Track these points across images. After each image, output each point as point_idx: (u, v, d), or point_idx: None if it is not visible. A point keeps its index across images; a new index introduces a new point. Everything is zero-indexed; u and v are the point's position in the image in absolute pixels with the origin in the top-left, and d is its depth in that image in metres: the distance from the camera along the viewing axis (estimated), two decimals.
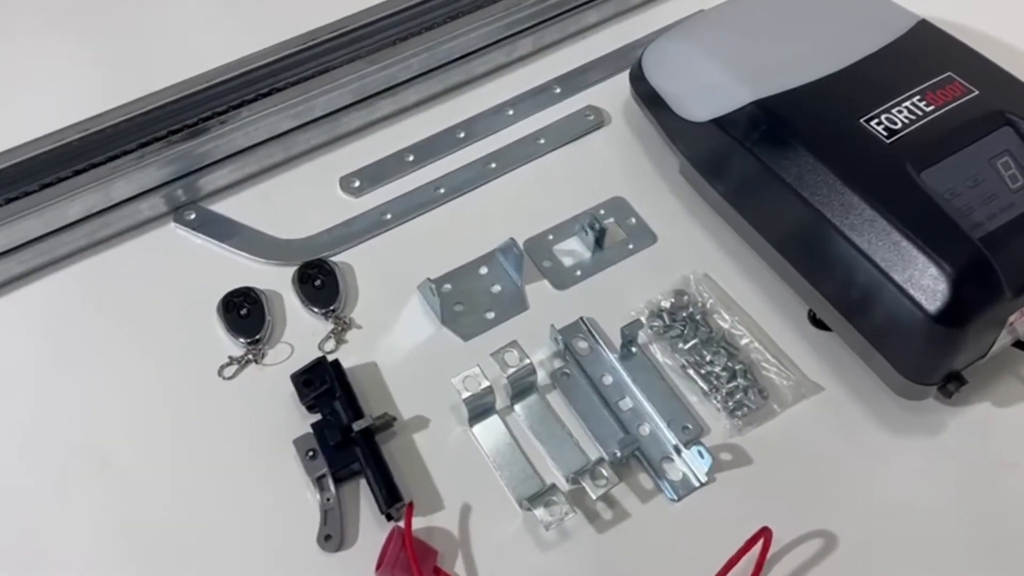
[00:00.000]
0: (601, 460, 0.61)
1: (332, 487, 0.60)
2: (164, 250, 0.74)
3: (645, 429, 0.64)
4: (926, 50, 0.68)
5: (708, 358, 0.67)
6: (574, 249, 0.74)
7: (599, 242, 0.73)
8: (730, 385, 0.65)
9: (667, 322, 0.68)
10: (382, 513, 0.59)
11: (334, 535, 0.59)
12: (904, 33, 0.70)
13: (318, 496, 0.60)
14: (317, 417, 0.63)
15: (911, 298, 0.57)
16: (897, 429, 0.64)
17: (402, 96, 0.80)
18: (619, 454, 0.61)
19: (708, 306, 0.70)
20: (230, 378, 0.67)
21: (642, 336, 0.68)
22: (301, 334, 0.69)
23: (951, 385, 0.60)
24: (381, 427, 0.63)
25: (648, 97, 0.75)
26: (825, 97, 0.66)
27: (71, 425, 0.65)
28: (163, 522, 0.61)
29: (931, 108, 0.63)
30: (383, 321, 0.70)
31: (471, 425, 0.64)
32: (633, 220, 0.75)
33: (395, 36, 0.80)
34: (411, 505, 0.58)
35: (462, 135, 0.80)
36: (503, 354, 0.64)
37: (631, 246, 0.74)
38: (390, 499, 0.58)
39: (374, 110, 0.79)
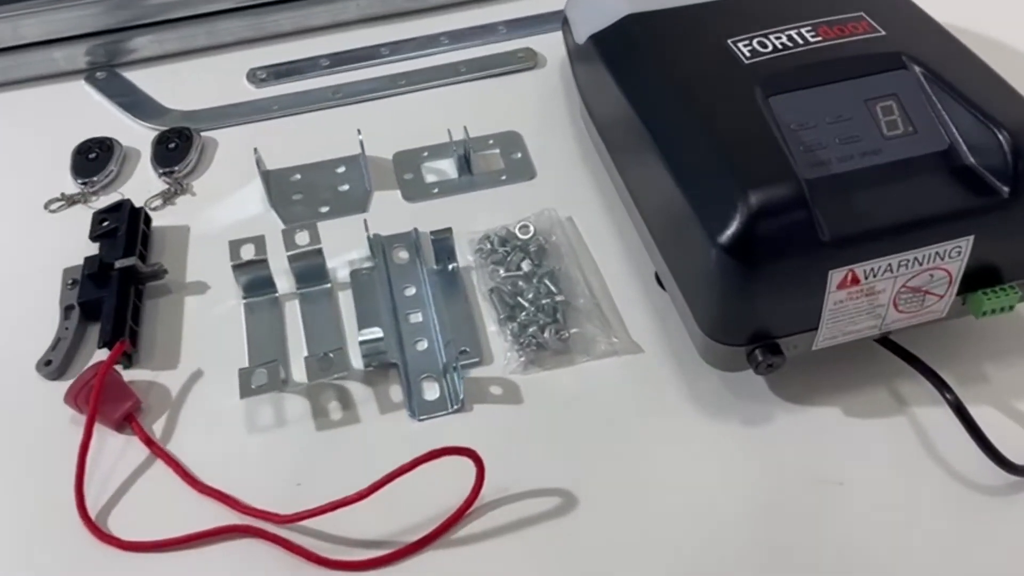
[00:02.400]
0: (339, 350, 0.54)
1: (75, 318, 0.57)
2: (63, 102, 0.75)
3: (422, 345, 0.57)
4: None
5: (523, 290, 0.58)
6: (443, 169, 0.68)
7: (467, 166, 0.67)
8: (527, 319, 0.56)
9: (494, 247, 0.61)
10: (99, 347, 0.55)
11: (55, 362, 0.55)
12: None
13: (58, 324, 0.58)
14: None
15: (701, 222, 0.47)
16: (709, 411, 0.53)
17: (341, 7, 0.78)
18: (363, 353, 0.54)
19: (550, 244, 0.61)
20: (54, 211, 0.66)
21: (470, 259, 0.62)
22: (138, 189, 0.67)
23: (759, 352, 0.49)
24: (149, 275, 0.59)
25: (565, 31, 0.69)
26: (710, 17, 0.57)
27: None
28: None
29: (817, 39, 0.53)
30: (218, 195, 0.67)
31: (244, 298, 0.60)
32: (519, 155, 0.68)
33: None
34: (123, 343, 0.54)
35: (386, 52, 0.77)
36: (295, 232, 0.59)
37: (504, 177, 0.67)
38: (111, 334, 0.55)
39: (308, 15, 0.78)
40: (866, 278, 0.47)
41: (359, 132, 0.66)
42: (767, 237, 0.46)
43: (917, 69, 0.51)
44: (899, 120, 0.50)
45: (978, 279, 0.50)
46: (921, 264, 0.48)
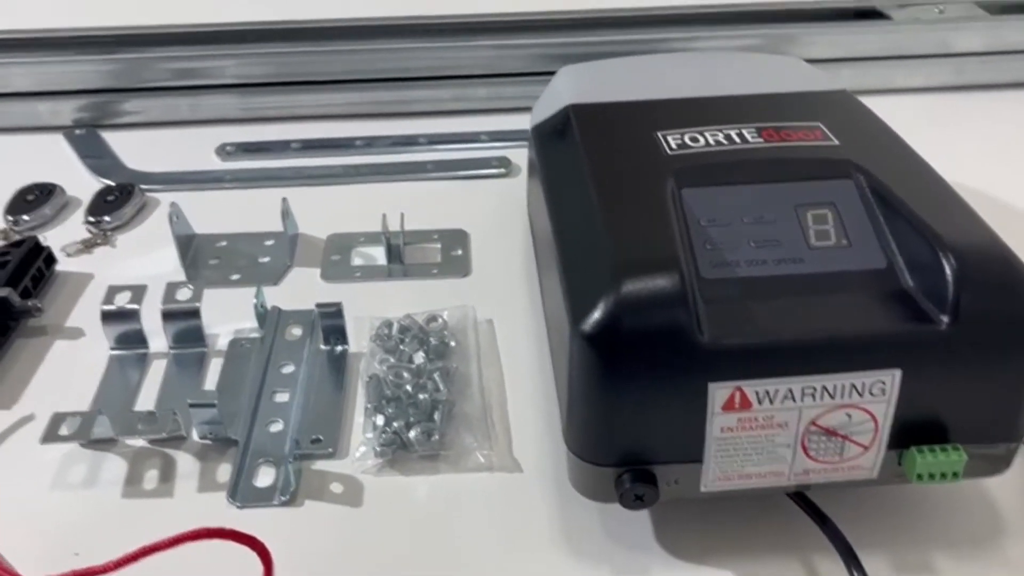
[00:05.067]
0: (171, 411, 0.47)
1: None
2: (33, 152, 0.75)
3: (276, 427, 0.49)
4: (820, 105, 0.52)
5: (406, 382, 0.51)
6: (373, 256, 0.63)
7: (397, 256, 0.62)
8: (396, 412, 0.49)
9: (391, 333, 0.54)
10: None
11: None
12: (810, 91, 0.54)
13: None
14: None
15: (569, 307, 0.40)
16: (577, 552, 0.43)
17: (327, 98, 0.77)
18: (195, 421, 0.47)
19: (457, 343, 0.54)
20: None
21: (366, 344, 0.55)
22: (66, 236, 0.64)
23: (626, 477, 0.40)
24: (21, 310, 0.55)
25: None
26: (653, 112, 0.51)
27: None
28: None
29: (758, 140, 0.47)
30: (139, 250, 0.64)
31: (111, 348, 0.54)
32: (459, 252, 0.63)
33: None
34: None
35: (360, 144, 0.74)
36: (177, 288, 0.54)
37: (435, 271, 0.61)
38: None
39: (293, 102, 0.77)
40: (759, 402, 0.38)
41: (284, 200, 0.62)
42: (634, 332, 0.38)
43: (863, 179, 0.44)
44: (832, 231, 0.42)
45: (915, 432, 0.40)
46: (833, 396, 0.38)
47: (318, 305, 0.53)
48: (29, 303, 0.55)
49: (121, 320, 0.54)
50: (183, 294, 0.54)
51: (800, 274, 0.41)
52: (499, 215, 0.68)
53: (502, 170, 0.72)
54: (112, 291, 0.54)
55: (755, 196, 0.44)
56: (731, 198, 0.44)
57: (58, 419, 0.46)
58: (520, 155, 0.74)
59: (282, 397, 0.52)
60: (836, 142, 0.47)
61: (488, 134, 0.76)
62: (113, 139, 0.77)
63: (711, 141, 0.47)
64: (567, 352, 0.40)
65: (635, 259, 0.40)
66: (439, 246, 0.64)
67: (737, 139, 0.47)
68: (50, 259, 0.60)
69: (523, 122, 0.77)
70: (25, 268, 0.58)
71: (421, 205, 0.68)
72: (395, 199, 0.69)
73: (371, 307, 0.58)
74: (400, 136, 0.76)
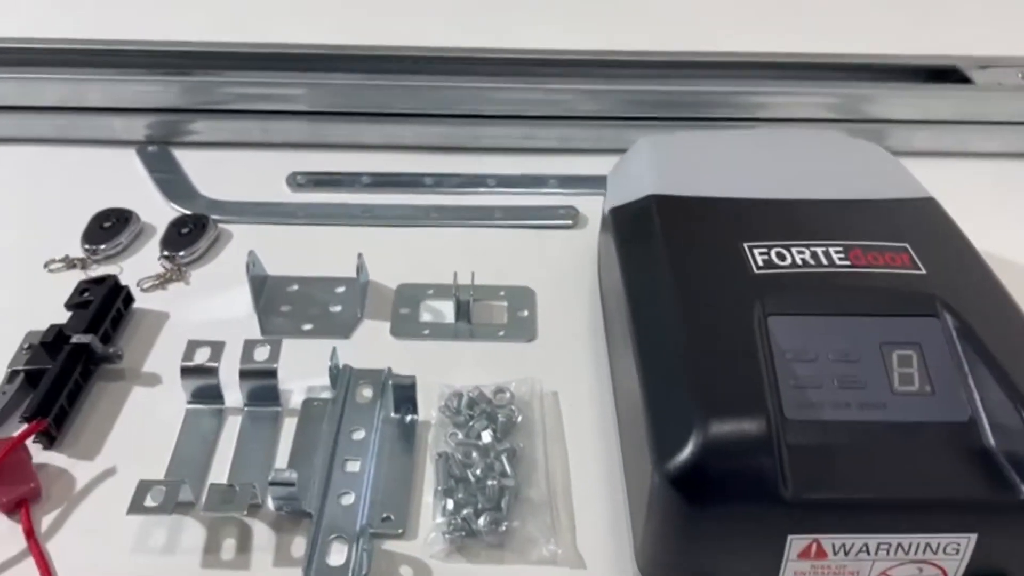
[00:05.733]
0: (251, 486, 0.49)
1: (17, 384, 0.55)
2: (107, 168, 0.76)
3: (348, 499, 0.51)
4: (907, 220, 0.52)
5: (475, 463, 0.52)
6: (442, 311, 0.64)
7: (465, 314, 0.63)
8: (465, 498, 0.50)
9: (459, 407, 0.56)
10: (20, 420, 0.52)
11: None
12: (898, 198, 0.54)
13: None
14: None
15: (652, 439, 0.41)
16: None
17: (395, 130, 0.78)
18: (272, 496, 0.49)
19: (523, 417, 0.56)
20: (52, 271, 0.66)
21: (433, 414, 0.56)
22: (140, 267, 0.66)
23: None
24: (102, 356, 0.57)
25: (605, 198, 0.65)
26: (738, 214, 0.52)
27: None
28: None
29: (845, 263, 0.47)
30: (211, 289, 0.65)
31: (188, 402, 0.56)
32: (526, 313, 0.64)
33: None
34: (40, 423, 0.51)
35: (429, 182, 0.75)
36: (255, 346, 0.56)
37: (502, 333, 0.62)
38: (36, 410, 0.52)
39: (361, 131, 0.77)
40: (835, 553, 0.39)
41: (360, 256, 0.63)
42: (720, 479, 0.39)
43: (950, 319, 0.44)
44: (916, 375, 0.43)
45: None
46: (907, 552, 0.39)
47: (393, 377, 0.55)
48: (111, 350, 0.57)
49: (199, 375, 0.55)
50: (261, 354, 0.55)
51: (883, 422, 0.41)
52: (566, 270, 0.68)
53: (569, 221, 0.72)
54: (192, 346, 0.56)
55: (841, 329, 0.44)
56: (817, 330, 0.44)
57: (143, 488, 0.48)
58: (588, 204, 0.74)
59: (353, 466, 0.53)
60: (923, 271, 0.47)
61: (557, 178, 0.76)
62: (184, 157, 0.78)
63: (798, 260, 0.47)
64: (648, 483, 0.41)
65: (722, 398, 0.41)
66: (505, 304, 0.65)
67: (824, 259, 0.47)
68: (128, 298, 0.62)
69: (592, 165, 0.78)
70: (106, 310, 0.59)
71: (488, 254, 0.69)
72: (463, 246, 0.70)
73: (439, 369, 0.59)
74: (468, 176, 0.76)
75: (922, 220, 0.52)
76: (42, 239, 0.69)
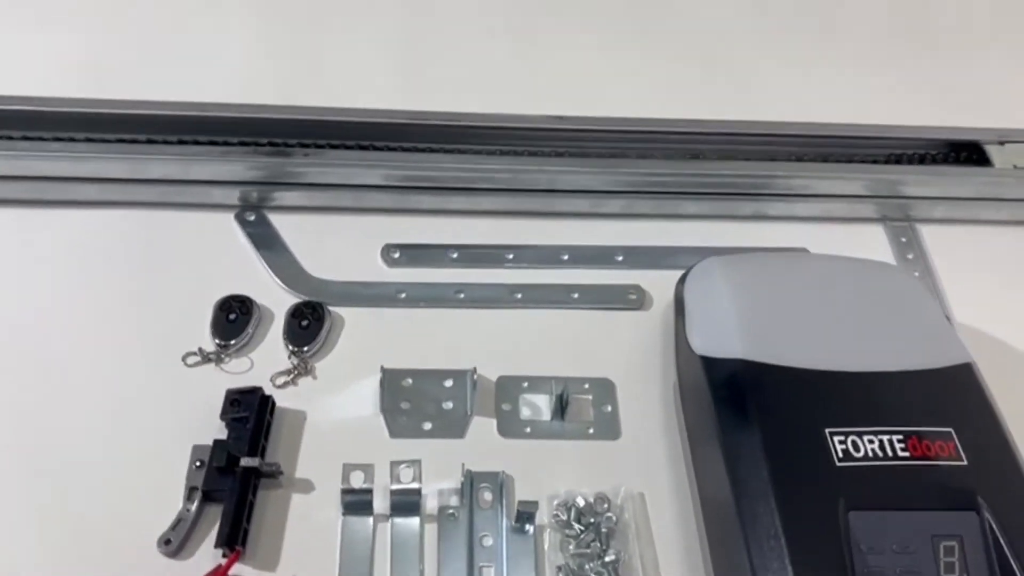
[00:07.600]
0: None
1: (197, 501, 0.65)
2: (212, 234, 0.82)
3: None
4: (949, 395, 0.64)
5: (588, 573, 0.65)
6: (538, 406, 0.74)
7: (562, 412, 0.73)
8: None
9: (571, 518, 0.68)
10: (215, 546, 0.63)
11: (173, 542, 0.63)
12: (942, 367, 0.66)
13: (181, 504, 0.65)
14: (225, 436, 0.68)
15: None
16: None
17: (476, 199, 0.84)
18: None
19: (620, 521, 0.68)
20: (189, 366, 0.73)
21: (545, 519, 0.68)
22: (266, 360, 0.74)
23: None
24: (267, 473, 0.66)
25: (678, 306, 0.75)
26: (811, 390, 0.63)
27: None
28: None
29: (905, 454, 0.59)
30: (337, 383, 0.74)
31: (344, 514, 0.67)
32: (609, 408, 0.75)
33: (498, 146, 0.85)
34: (237, 554, 0.62)
35: (510, 256, 0.83)
36: (399, 468, 0.66)
37: (591, 431, 0.73)
38: (227, 539, 0.62)
39: (446, 200, 0.84)
40: None
41: (475, 370, 0.72)
42: None
43: (987, 515, 0.57)
44: (957, 564, 0.56)
45: None
46: None
47: (521, 503, 0.65)
48: (272, 467, 0.66)
49: (356, 495, 0.65)
50: (406, 476, 0.65)
51: None
52: (637, 359, 0.77)
53: (637, 304, 0.81)
54: (347, 470, 0.65)
55: (902, 524, 0.57)
56: (885, 524, 0.57)
57: None
58: (650, 280, 0.83)
59: (488, 573, 0.65)
60: (964, 461, 0.59)
61: (622, 251, 0.85)
62: (280, 222, 0.83)
63: (868, 452, 0.59)
64: None
65: None
66: (590, 398, 0.75)
67: (888, 450, 0.59)
68: (273, 406, 0.70)
69: (653, 234, 0.86)
70: (260, 424, 0.68)
71: (567, 340, 0.78)
72: (544, 327, 0.79)
73: (542, 469, 0.70)
74: (543, 249, 0.84)
75: (962, 397, 0.64)
76: (165, 324, 0.75)
